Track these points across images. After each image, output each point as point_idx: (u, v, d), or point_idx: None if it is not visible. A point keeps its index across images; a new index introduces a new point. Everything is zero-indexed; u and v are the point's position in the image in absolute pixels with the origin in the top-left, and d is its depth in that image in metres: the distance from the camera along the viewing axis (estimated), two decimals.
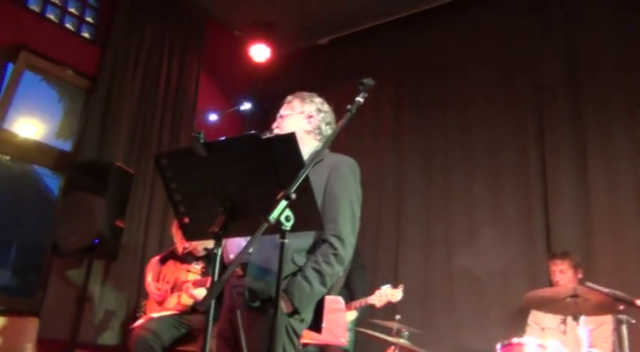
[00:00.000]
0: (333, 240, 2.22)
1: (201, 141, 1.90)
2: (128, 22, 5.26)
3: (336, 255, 2.21)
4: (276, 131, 2.52)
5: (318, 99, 2.59)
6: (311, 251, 2.25)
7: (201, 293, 3.81)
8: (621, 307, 2.77)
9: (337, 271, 2.22)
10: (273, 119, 2.60)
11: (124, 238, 4.53)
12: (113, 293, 4.74)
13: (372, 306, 4.11)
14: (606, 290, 2.79)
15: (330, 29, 6.19)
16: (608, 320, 3.53)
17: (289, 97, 2.60)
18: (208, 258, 4.15)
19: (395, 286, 4.05)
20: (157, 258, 4.45)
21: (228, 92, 6.34)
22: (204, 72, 6.06)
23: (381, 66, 5.80)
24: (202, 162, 1.94)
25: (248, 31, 6.22)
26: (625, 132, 4.43)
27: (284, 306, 2.12)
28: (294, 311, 2.15)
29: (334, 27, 6.13)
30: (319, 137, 2.51)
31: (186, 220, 2.08)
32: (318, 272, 2.17)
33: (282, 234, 1.70)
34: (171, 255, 4.40)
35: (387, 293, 4.00)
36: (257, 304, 2.13)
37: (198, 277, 4.04)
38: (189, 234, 2.17)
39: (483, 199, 4.91)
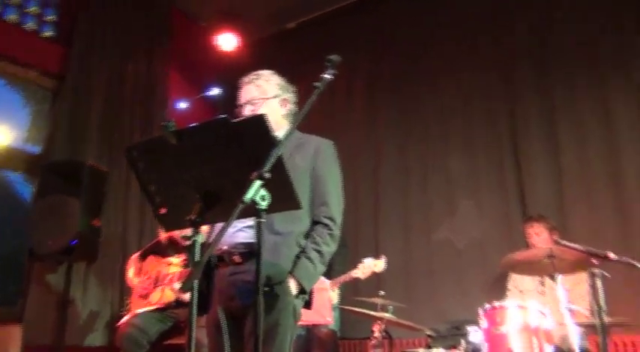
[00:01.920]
0: (327, 222, 2.33)
1: (171, 129, 1.88)
2: (91, 17, 5.16)
3: (331, 235, 2.32)
4: None
5: (279, 78, 2.59)
6: (307, 234, 2.31)
7: None
8: (595, 262, 2.88)
9: (333, 250, 2.34)
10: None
11: (102, 237, 4.48)
12: (96, 293, 4.71)
13: (356, 280, 4.08)
14: (580, 246, 2.90)
15: (296, 13, 6.16)
16: (583, 279, 3.63)
17: (248, 79, 2.57)
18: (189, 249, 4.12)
19: (377, 257, 4.05)
20: (137, 254, 4.42)
21: (199, 83, 6.27)
22: (174, 64, 5.99)
23: (353, 46, 5.79)
24: (174, 150, 1.91)
25: (214, 21, 6.17)
26: (589, 93, 4.57)
27: (293, 287, 2.17)
28: (301, 292, 2.20)
29: (301, 10, 6.11)
30: (290, 119, 2.52)
31: (163, 211, 2.06)
32: (319, 252, 2.26)
33: (259, 213, 1.70)
34: (151, 250, 4.37)
35: (371, 265, 4.00)
36: (267, 289, 2.12)
37: (180, 269, 4.02)
38: (167, 225, 2.16)
39: (459, 171, 5.00)
